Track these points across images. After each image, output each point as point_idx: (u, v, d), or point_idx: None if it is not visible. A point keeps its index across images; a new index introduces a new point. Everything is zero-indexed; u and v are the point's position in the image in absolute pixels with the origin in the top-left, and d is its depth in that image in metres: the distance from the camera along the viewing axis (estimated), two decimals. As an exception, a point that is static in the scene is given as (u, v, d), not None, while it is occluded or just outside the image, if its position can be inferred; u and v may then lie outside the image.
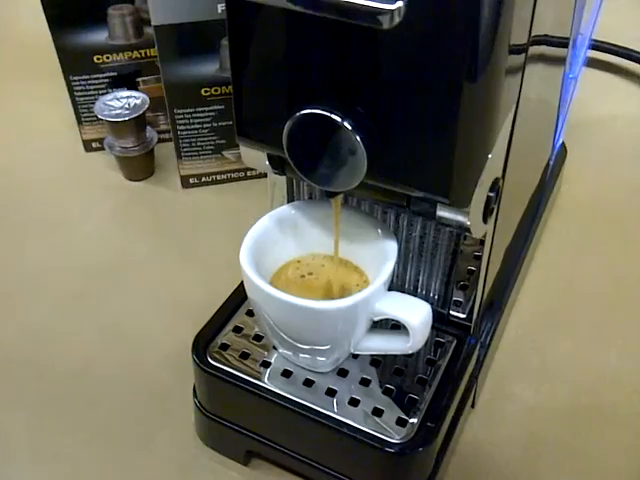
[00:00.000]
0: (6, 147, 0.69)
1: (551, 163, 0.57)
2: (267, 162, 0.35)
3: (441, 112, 0.27)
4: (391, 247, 0.36)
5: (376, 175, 0.30)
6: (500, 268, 0.48)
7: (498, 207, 0.36)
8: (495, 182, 0.33)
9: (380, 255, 0.36)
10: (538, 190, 0.56)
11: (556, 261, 0.57)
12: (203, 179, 0.64)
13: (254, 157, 0.36)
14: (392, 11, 0.23)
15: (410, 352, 0.35)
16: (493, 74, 0.27)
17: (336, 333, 0.35)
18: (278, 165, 0.36)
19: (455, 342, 0.41)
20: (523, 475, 0.43)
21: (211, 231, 0.59)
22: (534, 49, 0.34)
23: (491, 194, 0.33)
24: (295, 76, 0.29)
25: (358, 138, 0.28)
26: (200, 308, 0.43)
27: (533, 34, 0.32)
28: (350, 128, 0.28)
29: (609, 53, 0.69)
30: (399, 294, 0.35)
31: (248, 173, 0.64)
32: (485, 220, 0.33)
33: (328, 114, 0.28)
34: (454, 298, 0.42)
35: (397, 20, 0.23)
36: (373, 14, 0.23)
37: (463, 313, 0.42)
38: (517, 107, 0.32)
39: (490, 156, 0.30)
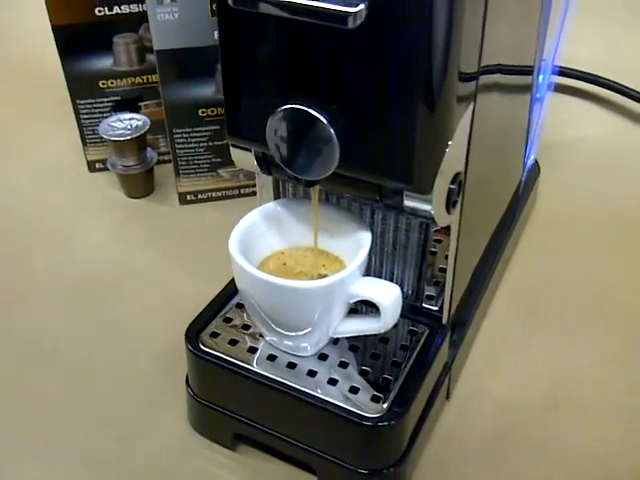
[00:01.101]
0: (15, 167, 0.74)
1: (523, 179, 0.61)
2: (254, 162, 0.39)
3: (402, 107, 0.31)
4: (365, 237, 0.40)
5: (348, 165, 0.34)
6: (475, 271, 0.51)
7: (462, 201, 0.39)
8: (456, 176, 0.37)
9: (356, 245, 0.40)
10: (513, 202, 0.60)
11: (532, 266, 0.60)
12: (199, 196, 0.68)
13: (244, 158, 0.40)
14: (355, 13, 0.27)
15: (382, 331, 0.39)
16: (446, 73, 0.31)
17: (316, 314, 0.38)
18: (264, 165, 0.40)
19: (427, 331, 0.44)
20: (492, 463, 0.45)
21: (206, 244, 0.63)
22: (488, 73, 0.38)
23: (452, 186, 0.37)
24: (276, 76, 0.33)
25: (332, 130, 0.32)
26: (193, 311, 0.46)
27: (486, 53, 0.36)
28: (325, 122, 0.32)
29: (579, 80, 0.74)
30: (372, 278, 0.39)
31: (242, 191, 0.69)
32: (448, 210, 0.37)
33: (306, 109, 0.32)
34: (428, 293, 0.46)
35: (359, 21, 0.28)
36: (338, 16, 0.28)
37: (436, 306, 0.45)
38: (475, 105, 0.36)
39: (448, 149, 0.34)
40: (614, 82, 0.72)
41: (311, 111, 0.32)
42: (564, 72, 0.73)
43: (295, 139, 0.33)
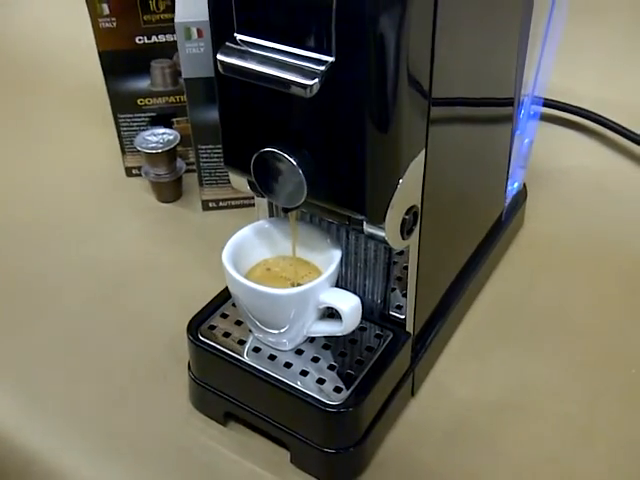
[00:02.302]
0: (60, 170, 0.84)
1: (507, 204, 0.68)
2: (247, 186, 0.48)
3: (353, 153, 0.39)
4: (337, 253, 0.47)
5: (315, 196, 0.42)
6: (452, 285, 0.59)
7: (420, 228, 0.47)
8: (411, 208, 0.44)
9: (330, 259, 0.47)
10: (495, 225, 0.67)
11: (510, 284, 0.66)
12: (220, 204, 0.76)
13: (239, 182, 0.48)
14: (310, 86, 0.35)
15: (344, 333, 0.46)
16: (388, 128, 0.39)
17: (290, 316, 0.46)
18: (256, 189, 0.48)
19: (391, 336, 0.51)
20: (445, 452, 0.52)
21: (222, 247, 0.71)
22: (440, 109, 0.45)
23: (407, 217, 0.44)
24: (258, 124, 0.41)
25: (300, 170, 0.40)
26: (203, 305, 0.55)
27: (439, 94, 0.43)
28: (295, 163, 0.40)
29: (571, 113, 0.80)
30: (338, 289, 0.46)
31: (258, 201, 0.77)
32: (403, 237, 0.45)
33: (280, 152, 0.40)
34: (398, 303, 0.53)
35: (315, 91, 0.35)
36: (298, 86, 0.35)
37: (402, 315, 0.53)
38: (427, 148, 0.43)
39: (399, 186, 0.42)
40: (605, 118, 0.78)
41: (284, 154, 0.40)
42: (557, 105, 0.80)
43: (272, 174, 0.41)
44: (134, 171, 0.82)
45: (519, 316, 0.63)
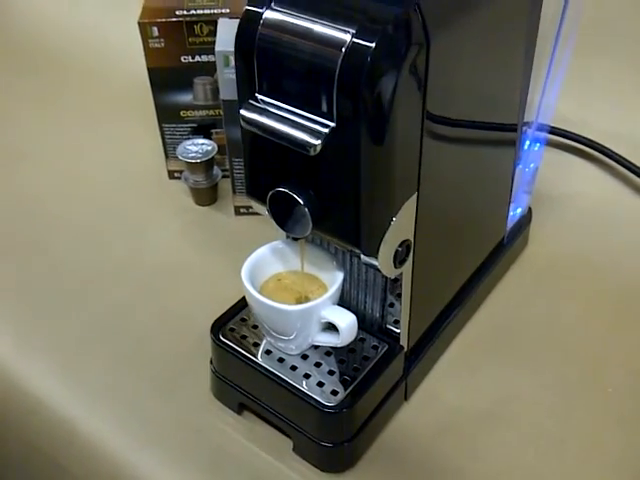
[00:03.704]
0: (107, 170, 0.92)
1: (508, 228, 0.74)
2: (266, 212, 0.55)
3: (350, 197, 0.46)
4: (339, 275, 0.55)
5: (318, 229, 0.49)
6: (447, 305, 0.65)
7: (414, 257, 0.53)
8: (404, 241, 0.51)
9: (334, 278, 0.55)
10: (497, 248, 0.73)
11: (507, 302, 0.72)
12: (250, 209, 0.84)
13: (260, 208, 0.56)
14: (315, 145, 0.42)
15: (342, 345, 0.54)
16: (385, 177, 0.45)
17: (297, 326, 0.54)
18: (272, 216, 0.55)
19: (387, 347, 0.59)
20: (431, 453, 0.59)
21: (251, 249, 0.79)
22: (434, 156, 0.52)
23: (400, 249, 0.51)
24: (272, 167, 0.49)
25: (306, 209, 0.47)
26: (229, 306, 0.63)
27: (431, 155, 0.50)
28: (302, 202, 0.47)
29: (576, 142, 0.85)
30: (338, 307, 0.54)
31: (285, 209, 0.84)
32: (396, 266, 0.51)
33: (290, 192, 0.47)
34: (396, 318, 0.60)
35: (318, 150, 0.43)
36: (303, 146, 0.43)
37: (398, 329, 0.60)
38: (419, 192, 0.50)
39: (393, 223, 0.48)
40: (610, 150, 0.83)
41: (293, 194, 0.47)
42: (567, 135, 0.85)
43: (284, 209, 0.49)
44: (176, 174, 0.90)
45: (511, 333, 0.69)
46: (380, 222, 0.48)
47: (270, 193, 0.49)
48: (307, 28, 0.43)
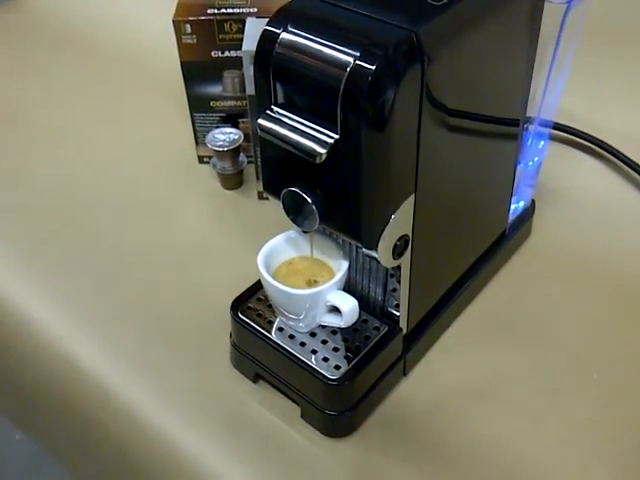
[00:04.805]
0: (140, 154, 0.99)
1: (510, 220, 0.79)
2: (281, 205, 0.61)
3: (352, 197, 0.52)
4: (344, 263, 0.61)
5: (325, 224, 0.55)
6: (446, 292, 0.71)
7: (412, 250, 0.59)
8: (402, 236, 0.57)
9: (340, 265, 0.61)
10: (499, 238, 0.78)
11: (507, 289, 0.78)
12: (272, 195, 0.91)
13: (275, 200, 0.62)
14: (321, 154, 0.49)
15: (345, 326, 0.60)
16: (384, 179, 0.52)
17: (305, 308, 0.61)
18: (286, 208, 0.62)
19: (387, 329, 0.65)
20: (423, 425, 0.65)
21: (272, 232, 0.85)
22: (431, 156, 0.57)
23: (398, 242, 0.57)
24: (284, 168, 0.55)
25: (314, 207, 0.54)
26: (248, 285, 0.70)
27: (429, 157, 0.56)
28: (310, 201, 0.54)
29: (580, 138, 0.89)
30: (342, 292, 0.60)
31: (304, 195, 0.91)
32: (394, 258, 0.58)
33: (299, 191, 0.54)
34: (396, 302, 0.67)
35: (324, 158, 0.49)
36: (311, 154, 0.49)
37: (398, 312, 0.66)
38: (416, 192, 0.56)
39: (392, 220, 0.55)
40: (612, 147, 0.88)
41: (302, 193, 0.54)
42: (572, 132, 0.89)
43: (294, 206, 0.55)
44: (205, 159, 0.97)
45: (507, 318, 0.75)
46: (379, 219, 0.54)
47: (282, 192, 0.55)
48: (317, 49, 0.49)
